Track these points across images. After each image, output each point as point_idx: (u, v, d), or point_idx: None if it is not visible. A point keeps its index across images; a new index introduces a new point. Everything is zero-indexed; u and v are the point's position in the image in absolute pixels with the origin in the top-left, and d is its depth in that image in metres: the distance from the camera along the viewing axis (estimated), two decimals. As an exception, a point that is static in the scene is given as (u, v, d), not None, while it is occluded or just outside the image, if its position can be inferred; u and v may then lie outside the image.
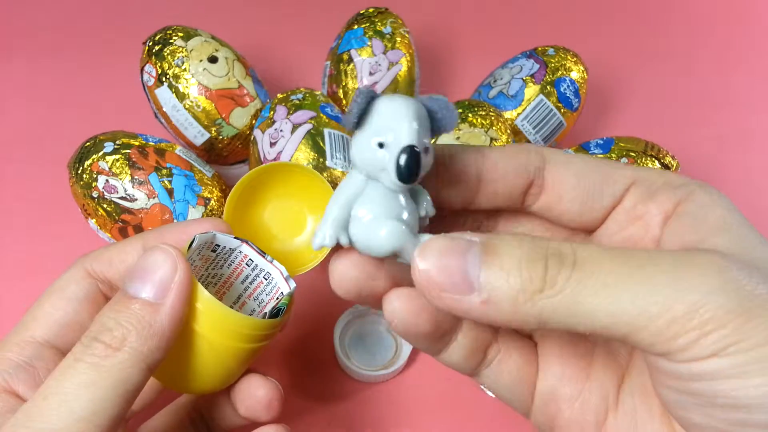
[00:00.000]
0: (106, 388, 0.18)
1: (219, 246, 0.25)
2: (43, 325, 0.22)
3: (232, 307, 0.26)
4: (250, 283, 0.26)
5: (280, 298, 0.26)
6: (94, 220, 0.35)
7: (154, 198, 0.34)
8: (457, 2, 0.65)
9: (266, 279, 0.26)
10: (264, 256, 0.26)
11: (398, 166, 0.17)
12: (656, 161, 0.35)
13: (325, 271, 0.43)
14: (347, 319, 0.37)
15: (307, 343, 0.38)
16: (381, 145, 0.17)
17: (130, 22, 0.60)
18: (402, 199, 0.18)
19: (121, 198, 0.34)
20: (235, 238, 0.25)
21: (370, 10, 0.45)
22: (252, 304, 0.27)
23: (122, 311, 0.19)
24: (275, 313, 0.24)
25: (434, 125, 0.18)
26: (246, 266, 0.26)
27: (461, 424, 0.35)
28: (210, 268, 0.26)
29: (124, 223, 0.34)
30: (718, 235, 0.17)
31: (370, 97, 0.17)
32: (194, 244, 0.23)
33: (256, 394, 0.24)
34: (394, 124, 0.17)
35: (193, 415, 0.27)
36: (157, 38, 0.41)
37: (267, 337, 0.24)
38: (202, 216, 0.35)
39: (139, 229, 0.34)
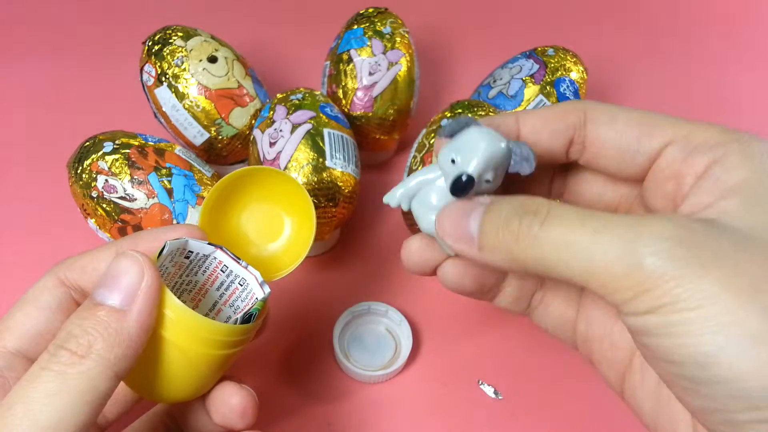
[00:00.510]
0: (72, 396, 0.18)
1: (192, 252, 0.24)
2: (15, 334, 0.22)
3: (208, 314, 0.26)
4: (225, 289, 0.26)
5: (254, 303, 0.25)
6: (93, 220, 0.35)
7: (153, 198, 0.34)
8: (456, 2, 0.65)
9: (241, 285, 0.26)
10: (239, 262, 0.25)
11: (453, 183, 0.21)
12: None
13: (324, 270, 0.43)
14: (347, 320, 0.37)
15: (307, 343, 0.38)
16: (453, 161, 0.21)
17: (129, 21, 0.60)
18: (453, 200, 0.22)
19: (121, 198, 0.34)
20: (209, 244, 0.25)
21: (370, 10, 0.45)
22: (228, 310, 0.27)
23: (88, 318, 0.19)
24: (247, 318, 0.24)
25: (513, 165, 0.21)
26: (221, 272, 0.26)
27: (460, 425, 0.35)
28: (184, 275, 0.25)
29: (124, 222, 0.34)
30: (727, 198, 0.18)
31: (465, 124, 0.22)
32: (165, 251, 0.22)
33: (230, 402, 0.24)
34: (467, 152, 0.21)
35: (167, 423, 0.27)
36: (156, 38, 0.41)
37: (239, 342, 0.24)
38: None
39: (138, 228, 0.34)
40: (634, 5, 0.66)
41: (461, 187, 0.21)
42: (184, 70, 0.40)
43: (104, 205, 0.34)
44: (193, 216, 0.34)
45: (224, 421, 0.24)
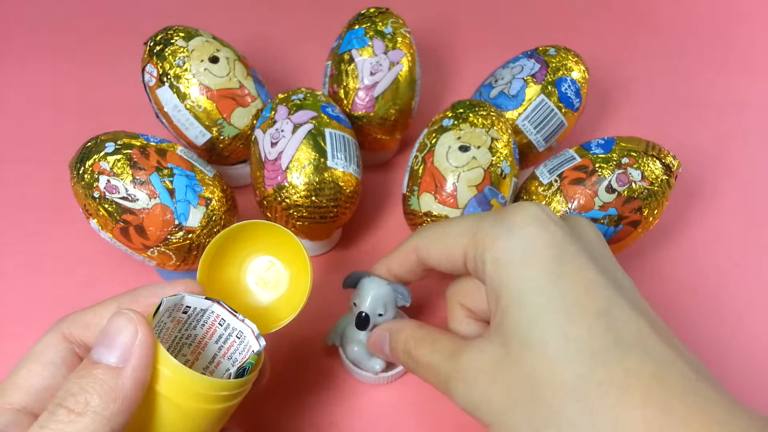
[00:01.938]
0: None
1: (190, 307, 0.25)
2: (20, 391, 0.22)
3: (207, 366, 0.27)
4: (224, 342, 0.27)
5: (250, 356, 0.26)
6: (95, 220, 0.35)
7: (155, 198, 0.34)
8: (458, 2, 0.65)
9: (239, 338, 0.26)
10: (236, 315, 0.26)
11: (356, 320, 0.32)
12: (657, 161, 0.35)
13: (326, 270, 0.43)
14: (350, 320, 0.37)
15: (310, 344, 0.38)
16: (354, 304, 0.33)
17: (131, 22, 0.60)
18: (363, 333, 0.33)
19: (123, 198, 0.34)
20: (205, 298, 0.25)
21: (371, 10, 0.45)
22: (226, 363, 0.27)
23: (86, 376, 0.20)
24: (241, 372, 0.24)
25: (398, 301, 0.32)
26: (219, 326, 0.26)
27: (459, 424, 0.35)
28: (183, 329, 0.26)
29: (126, 223, 0.34)
30: (500, 299, 0.24)
31: (359, 277, 0.33)
32: (161, 308, 0.23)
33: None
34: (361, 296, 0.32)
35: None
36: (158, 38, 0.41)
37: (235, 396, 0.24)
38: (203, 216, 0.35)
39: (140, 229, 0.34)
40: (636, 5, 0.66)
41: (360, 323, 0.32)
42: (186, 70, 0.40)
43: (106, 206, 0.34)
44: (195, 216, 0.34)
45: None
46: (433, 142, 0.37)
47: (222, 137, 0.42)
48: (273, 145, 0.37)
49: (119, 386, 0.20)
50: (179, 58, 0.40)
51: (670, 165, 0.35)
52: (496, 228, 0.24)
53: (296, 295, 0.30)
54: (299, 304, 0.29)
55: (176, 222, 0.34)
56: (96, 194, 0.34)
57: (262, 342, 0.26)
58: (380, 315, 0.32)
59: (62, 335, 0.24)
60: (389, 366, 0.36)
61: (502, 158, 0.36)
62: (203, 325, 0.26)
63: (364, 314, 0.32)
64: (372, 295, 0.32)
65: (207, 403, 0.22)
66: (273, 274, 0.31)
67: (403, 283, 0.32)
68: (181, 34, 0.41)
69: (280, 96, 0.39)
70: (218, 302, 0.25)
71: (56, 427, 0.19)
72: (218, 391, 0.23)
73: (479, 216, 0.26)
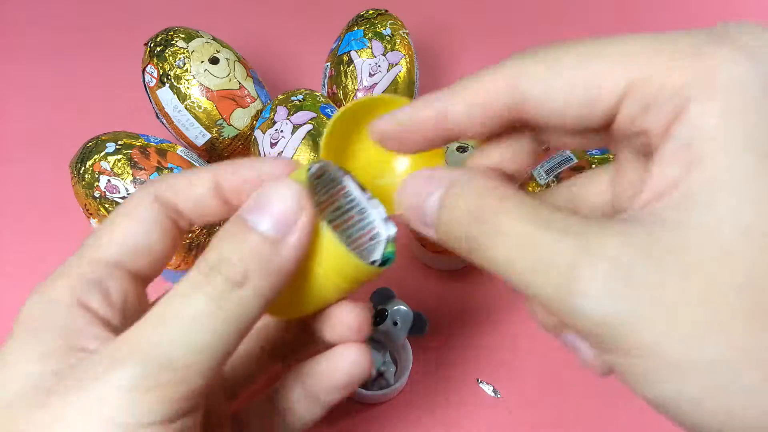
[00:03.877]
0: (226, 324, 0.18)
1: (324, 175, 0.23)
2: (112, 245, 0.21)
3: None
4: (342, 213, 0.25)
5: (373, 237, 0.24)
6: (96, 220, 0.36)
7: (155, 198, 0.34)
8: (456, 4, 0.66)
9: (360, 214, 0.24)
10: (364, 192, 0.24)
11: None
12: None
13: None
14: None
15: None
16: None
17: (131, 23, 0.60)
18: None
19: (123, 198, 0.34)
20: (339, 168, 0.24)
21: (370, 11, 0.45)
22: (340, 235, 0.26)
23: (243, 243, 0.19)
24: (384, 261, 0.23)
25: (410, 329, 0.34)
26: (343, 198, 0.24)
27: (459, 423, 0.35)
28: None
29: (126, 222, 0.34)
30: (693, 171, 0.15)
31: (387, 298, 0.35)
32: (311, 172, 0.21)
33: (346, 320, 0.23)
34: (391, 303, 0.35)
35: (264, 343, 0.27)
36: (158, 39, 0.42)
37: (368, 282, 0.23)
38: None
39: (140, 228, 0.34)
40: (634, 5, 0.67)
41: (377, 314, 0.34)
42: (186, 71, 0.40)
43: (107, 205, 0.35)
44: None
45: (340, 338, 0.23)
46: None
47: (222, 138, 0.42)
48: (272, 145, 0.37)
49: (277, 262, 0.19)
50: (179, 59, 0.41)
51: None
52: (720, 48, 0.15)
53: None
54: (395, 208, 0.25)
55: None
56: (96, 194, 0.35)
57: (393, 228, 0.24)
58: (395, 324, 0.32)
59: (153, 196, 0.22)
60: (387, 384, 0.35)
61: (499, 159, 0.36)
62: (326, 192, 0.24)
63: (386, 312, 0.32)
64: (401, 305, 0.33)
65: (347, 282, 0.22)
66: (386, 160, 0.27)
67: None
68: (182, 35, 0.42)
69: (280, 97, 0.39)
70: (350, 175, 0.24)
71: (213, 293, 0.18)
72: (363, 275, 0.22)
73: (647, 36, 0.16)
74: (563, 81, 0.17)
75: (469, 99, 0.18)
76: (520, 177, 0.21)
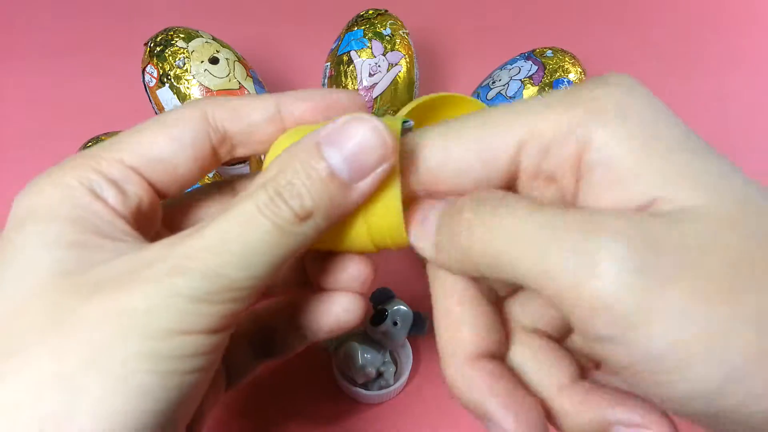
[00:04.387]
0: (283, 253, 0.18)
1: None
2: (136, 154, 0.20)
3: None
4: None
5: None
6: (96, 220, 0.36)
7: (155, 198, 0.34)
8: (456, 4, 0.66)
9: None
10: None
11: (372, 315, 0.35)
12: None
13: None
14: (344, 339, 0.36)
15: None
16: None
17: (131, 23, 0.60)
18: None
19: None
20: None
21: (370, 11, 0.45)
22: None
23: (317, 182, 0.18)
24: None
25: (411, 329, 0.35)
26: None
27: (458, 423, 0.35)
28: None
29: (126, 222, 0.34)
30: (636, 186, 0.15)
31: (387, 298, 0.36)
32: (406, 125, 0.20)
33: (351, 269, 0.22)
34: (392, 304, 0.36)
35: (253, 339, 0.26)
36: (158, 39, 0.42)
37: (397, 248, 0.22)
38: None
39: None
40: (633, 7, 0.67)
41: (377, 314, 0.34)
42: (186, 71, 0.40)
43: (107, 205, 0.35)
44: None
45: (342, 286, 0.23)
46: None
47: (222, 137, 0.42)
48: (272, 145, 0.37)
49: (343, 205, 0.18)
50: (179, 59, 0.41)
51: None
52: (602, 88, 0.17)
53: None
54: None
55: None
56: (97, 194, 0.35)
57: None
58: (395, 324, 0.33)
59: (202, 113, 0.21)
60: (387, 384, 0.35)
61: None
62: None
63: (386, 312, 0.33)
64: (401, 305, 0.34)
65: (382, 244, 0.21)
66: None
67: None
68: (181, 35, 0.42)
69: (280, 97, 0.39)
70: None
71: (279, 222, 0.17)
72: (397, 242, 0.21)
73: (533, 99, 0.18)
74: (461, 146, 0.18)
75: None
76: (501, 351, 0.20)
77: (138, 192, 0.20)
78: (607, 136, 0.16)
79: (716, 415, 0.14)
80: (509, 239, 0.16)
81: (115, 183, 0.19)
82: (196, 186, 0.23)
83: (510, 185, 0.18)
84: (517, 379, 0.19)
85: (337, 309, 0.23)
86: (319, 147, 0.18)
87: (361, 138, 0.18)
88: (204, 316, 0.17)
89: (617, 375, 0.17)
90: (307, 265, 0.24)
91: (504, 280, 0.17)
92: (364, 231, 0.20)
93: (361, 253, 0.22)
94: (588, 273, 0.14)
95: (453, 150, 0.18)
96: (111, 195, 0.19)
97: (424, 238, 0.19)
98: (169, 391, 0.17)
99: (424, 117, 0.25)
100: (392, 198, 0.19)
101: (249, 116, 0.21)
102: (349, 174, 0.18)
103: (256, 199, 0.18)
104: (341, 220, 0.19)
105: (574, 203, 0.17)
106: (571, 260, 0.14)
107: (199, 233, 0.17)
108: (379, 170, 0.18)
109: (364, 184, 0.18)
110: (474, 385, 0.18)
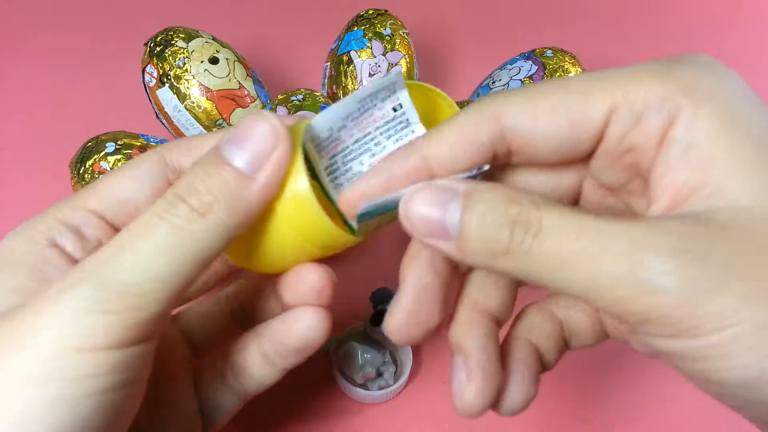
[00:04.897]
0: (185, 253, 0.17)
1: (318, 138, 0.21)
2: (98, 196, 0.21)
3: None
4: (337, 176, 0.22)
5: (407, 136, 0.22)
6: (95, 220, 0.36)
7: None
8: (456, 4, 0.66)
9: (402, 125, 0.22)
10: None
11: (372, 316, 0.34)
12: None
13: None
14: (344, 339, 0.36)
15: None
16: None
17: (131, 23, 0.60)
18: None
19: (123, 198, 0.34)
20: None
21: (370, 11, 0.45)
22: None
23: (214, 176, 0.18)
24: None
25: None
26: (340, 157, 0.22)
27: (458, 423, 0.35)
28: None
29: (126, 222, 0.35)
30: (708, 172, 0.16)
31: (387, 297, 0.34)
32: (312, 122, 0.20)
33: (307, 279, 0.22)
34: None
35: (235, 306, 0.26)
36: (158, 39, 0.42)
37: (342, 249, 0.22)
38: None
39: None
40: (633, 6, 0.67)
41: (376, 315, 0.33)
42: (186, 71, 0.40)
43: (107, 205, 0.35)
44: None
45: (301, 300, 0.22)
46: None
47: (221, 138, 0.42)
48: (272, 145, 0.37)
49: (245, 197, 0.18)
50: (179, 59, 0.41)
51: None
52: (691, 67, 0.17)
53: None
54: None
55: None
56: (96, 194, 0.35)
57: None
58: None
59: (160, 156, 0.22)
60: (387, 384, 0.35)
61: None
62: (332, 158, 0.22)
63: (386, 312, 0.32)
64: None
65: (315, 246, 0.20)
66: None
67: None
68: (181, 35, 0.42)
69: (280, 97, 0.39)
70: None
71: (175, 221, 0.17)
72: (337, 243, 0.20)
73: (620, 68, 0.18)
74: (549, 106, 0.17)
75: (453, 140, 0.18)
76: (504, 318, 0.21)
77: (97, 234, 0.21)
78: (694, 116, 0.16)
79: (755, 401, 0.15)
80: (557, 262, 0.15)
81: (74, 228, 0.21)
82: None
83: (590, 154, 0.18)
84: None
85: (300, 327, 0.22)
86: (218, 147, 0.19)
87: (253, 129, 0.18)
88: (102, 329, 0.16)
89: (659, 355, 0.17)
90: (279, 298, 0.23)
91: (541, 285, 0.16)
92: (297, 235, 0.20)
93: (315, 260, 0.22)
94: (640, 287, 0.15)
95: (542, 111, 0.17)
96: (69, 241, 0.20)
97: (436, 235, 0.17)
98: (66, 415, 0.16)
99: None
100: (304, 192, 0.19)
101: (201, 152, 0.22)
102: (247, 165, 0.18)
103: (155, 207, 0.18)
104: (253, 217, 0.19)
105: (648, 180, 0.17)
106: (626, 277, 0.15)
107: (101, 249, 0.18)
108: (275, 156, 0.18)
109: (263, 173, 0.18)
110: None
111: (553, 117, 0.17)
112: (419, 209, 0.17)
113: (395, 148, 0.22)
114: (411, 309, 0.19)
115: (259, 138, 0.18)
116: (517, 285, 0.21)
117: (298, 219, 0.20)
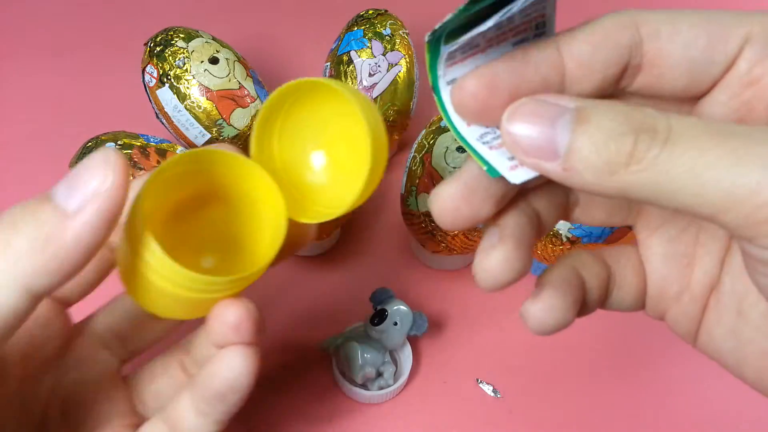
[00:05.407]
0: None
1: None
2: None
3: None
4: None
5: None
6: (95, 220, 0.36)
7: (155, 198, 0.34)
8: (455, 4, 0.66)
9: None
10: None
11: (372, 315, 0.35)
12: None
13: (325, 271, 0.43)
14: (344, 339, 0.36)
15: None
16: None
17: (131, 23, 0.60)
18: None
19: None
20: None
21: (370, 11, 0.45)
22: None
23: (34, 213, 0.17)
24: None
25: (410, 329, 0.34)
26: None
27: (458, 423, 0.35)
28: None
29: (126, 222, 0.34)
30: None
31: (386, 298, 0.35)
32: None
33: (223, 316, 0.21)
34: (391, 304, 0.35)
35: (183, 360, 0.26)
36: (158, 39, 0.42)
37: (224, 291, 0.21)
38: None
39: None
40: (633, 6, 0.67)
41: (377, 314, 0.34)
42: (186, 71, 0.40)
43: (106, 205, 0.35)
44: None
45: (222, 339, 0.21)
46: (431, 142, 0.37)
47: (221, 138, 0.42)
48: (272, 145, 0.37)
49: (56, 236, 0.16)
50: (179, 59, 0.41)
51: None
52: None
53: (346, 183, 0.23)
54: (355, 193, 0.21)
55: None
56: (96, 194, 0.35)
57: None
58: (395, 324, 0.33)
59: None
60: (386, 384, 0.35)
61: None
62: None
63: (386, 312, 0.34)
64: (401, 305, 0.34)
65: (187, 291, 0.19)
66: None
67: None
68: (181, 35, 0.42)
69: (280, 97, 0.39)
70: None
71: None
72: (199, 285, 0.19)
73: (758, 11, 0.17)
74: (690, 21, 0.17)
75: (592, 37, 0.17)
76: (545, 231, 0.20)
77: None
78: None
79: None
80: (690, 173, 0.14)
81: None
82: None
83: (710, 87, 0.18)
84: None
85: (221, 369, 0.21)
86: (51, 189, 0.17)
87: (85, 164, 0.17)
88: None
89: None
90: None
91: (655, 206, 0.16)
92: (167, 283, 0.19)
93: (230, 295, 0.21)
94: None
95: (684, 24, 0.17)
96: None
97: (541, 154, 0.15)
98: None
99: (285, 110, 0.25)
100: (151, 243, 0.18)
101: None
102: (71, 202, 0.17)
103: None
104: (66, 267, 0.17)
105: (763, 119, 0.17)
106: (753, 185, 0.13)
107: None
108: (92, 187, 0.16)
109: (82, 216, 0.17)
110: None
111: (694, 31, 0.16)
112: (523, 121, 0.15)
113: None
114: (463, 192, 0.18)
115: (88, 172, 0.17)
116: (566, 208, 0.20)
117: (157, 270, 0.19)
